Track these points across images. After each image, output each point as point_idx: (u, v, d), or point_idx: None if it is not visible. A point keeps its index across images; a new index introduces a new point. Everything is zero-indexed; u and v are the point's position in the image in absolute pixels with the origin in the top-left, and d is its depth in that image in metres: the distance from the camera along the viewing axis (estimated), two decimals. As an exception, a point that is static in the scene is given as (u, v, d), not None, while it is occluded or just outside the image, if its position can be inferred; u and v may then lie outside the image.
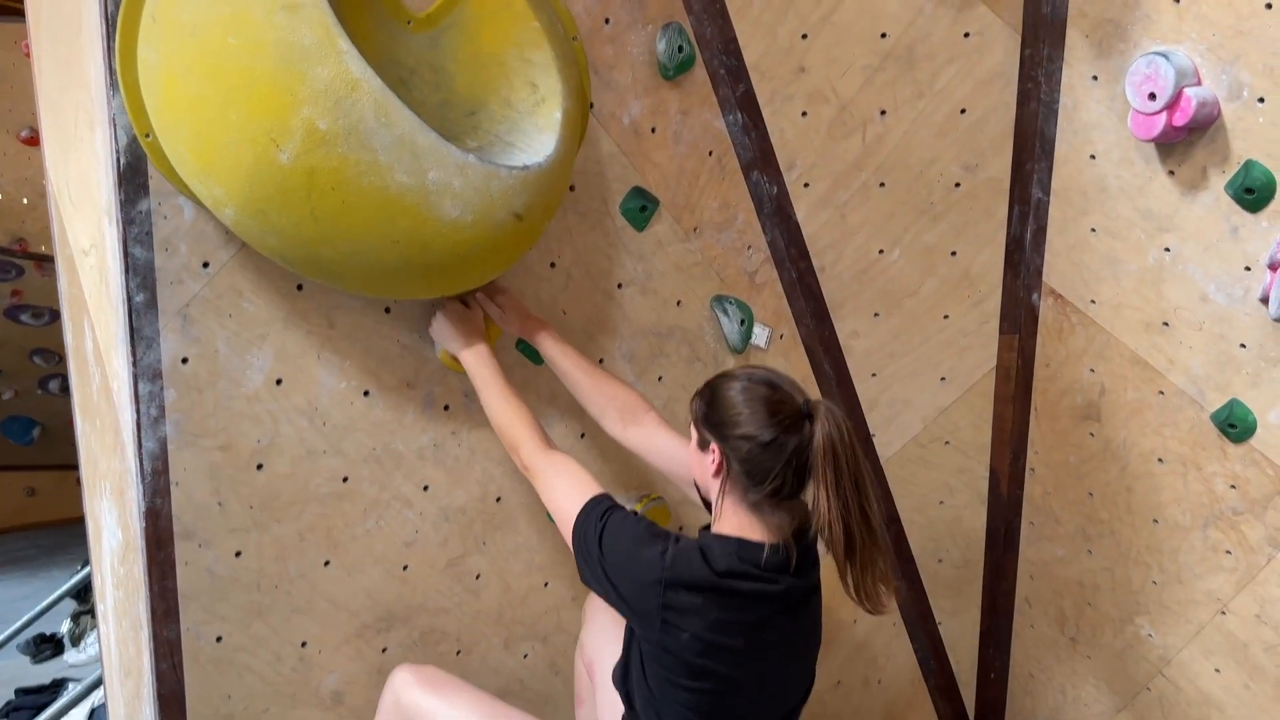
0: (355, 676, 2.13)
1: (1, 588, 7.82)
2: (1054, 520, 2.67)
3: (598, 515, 1.73)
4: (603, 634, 2.11)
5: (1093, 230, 2.29)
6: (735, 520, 1.71)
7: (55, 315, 8.06)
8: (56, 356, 8.89)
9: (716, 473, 1.72)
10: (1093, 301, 2.36)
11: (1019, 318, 2.52)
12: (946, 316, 2.58)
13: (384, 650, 2.15)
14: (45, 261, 7.67)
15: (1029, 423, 2.63)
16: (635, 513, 1.77)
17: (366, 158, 1.60)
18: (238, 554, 1.95)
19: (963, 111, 2.37)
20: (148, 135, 1.71)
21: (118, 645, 2.25)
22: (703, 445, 1.75)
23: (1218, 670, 2.44)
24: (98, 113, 1.81)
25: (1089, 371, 2.44)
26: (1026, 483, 2.70)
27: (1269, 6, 1.94)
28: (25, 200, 7.52)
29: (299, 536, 2.01)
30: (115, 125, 1.71)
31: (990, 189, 2.43)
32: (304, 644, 2.05)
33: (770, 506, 1.69)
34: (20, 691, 4.69)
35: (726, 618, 1.65)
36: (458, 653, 2.25)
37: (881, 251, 2.51)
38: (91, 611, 5.46)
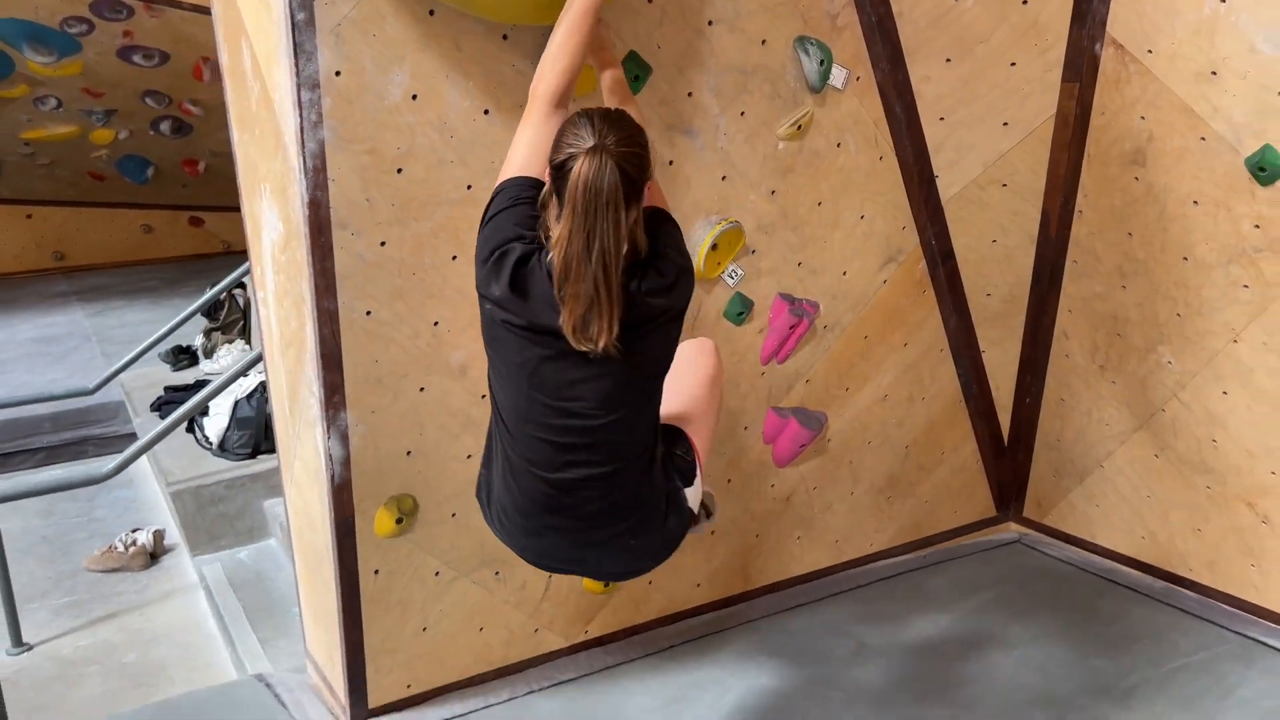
0: (478, 353, 2.53)
1: (131, 313, 8.59)
2: (1095, 259, 2.94)
3: (502, 195, 1.99)
4: None
5: (1156, -18, 2.44)
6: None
7: (165, 57, 8.34)
8: (167, 99, 9.24)
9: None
10: (1150, 51, 2.54)
11: (1081, 66, 2.71)
12: (1013, 64, 2.77)
13: (499, 335, 2.56)
14: (154, 3, 7.85)
15: (1081, 167, 2.85)
16: (515, 210, 1.97)
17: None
18: (383, 244, 2.34)
19: None
20: None
21: (278, 323, 2.70)
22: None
23: (1225, 393, 2.76)
24: None
25: (1140, 119, 2.64)
26: (1074, 224, 2.96)
27: None
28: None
29: (432, 233, 2.39)
30: None
31: (1065, -62, 2.57)
32: (436, 323, 2.47)
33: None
34: (169, 389, 5.35)
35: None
36: (559, 342, 2.66)
37: (957, -1, 2.68)
38: (222, 328, 6.07)
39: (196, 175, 10.57)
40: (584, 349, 1.88)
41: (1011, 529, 3.59)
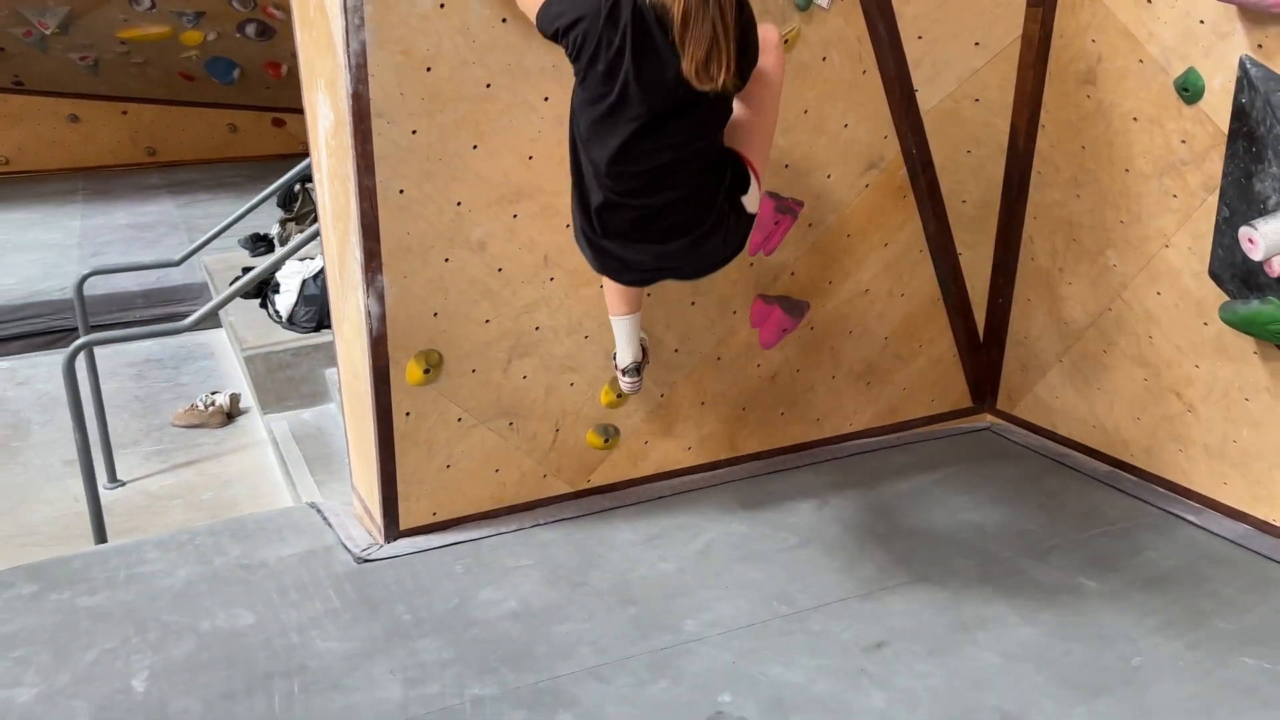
0: (494, 232, 2.98)
1: (216, 205, 9.22)
2: (1055, 169, 3.25)
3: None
4: None
5: (1104, -84, 2.72)
6: None
7: (251, -39, 8.79)
8: (253, 2, 9.72)
9: None
10: (1098, -21, 2.83)
11: (1043, -8, 3.00)
12: (983, -12, 3.07)
13: (514, 216, 2.99)
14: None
15: (1044, 86, 3.15)
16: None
17: None
18: (414, 132, 2.77)
19: None
20: None
21: (330, 199, 3.16)
22: None
23: (1159, 293, 3.08)
24: None
25: (1091, 42, 2.93)
26: (1038, 138, 3.26)
27: None
28: None
29: (456, 125, 2.81)
30: None
31: (1028, -126, 2.84)
32: (459, 203, 2.90)
33: None
34: (245, 269, 5.90)
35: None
36: (566, 226, 3.07)
37: (932, -72, 2.98)
38: (296, 219, 6.60)
39: (279, 78, 11.08)
40: (705, 89, 2.27)
41: (986, 419, 3.96)
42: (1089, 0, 2.88)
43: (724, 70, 2.23)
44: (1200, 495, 3.19)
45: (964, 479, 3.51)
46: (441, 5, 2.66)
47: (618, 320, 3.03)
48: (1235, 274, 2.75)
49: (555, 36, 2.42)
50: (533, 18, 2.48)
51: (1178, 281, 3.00)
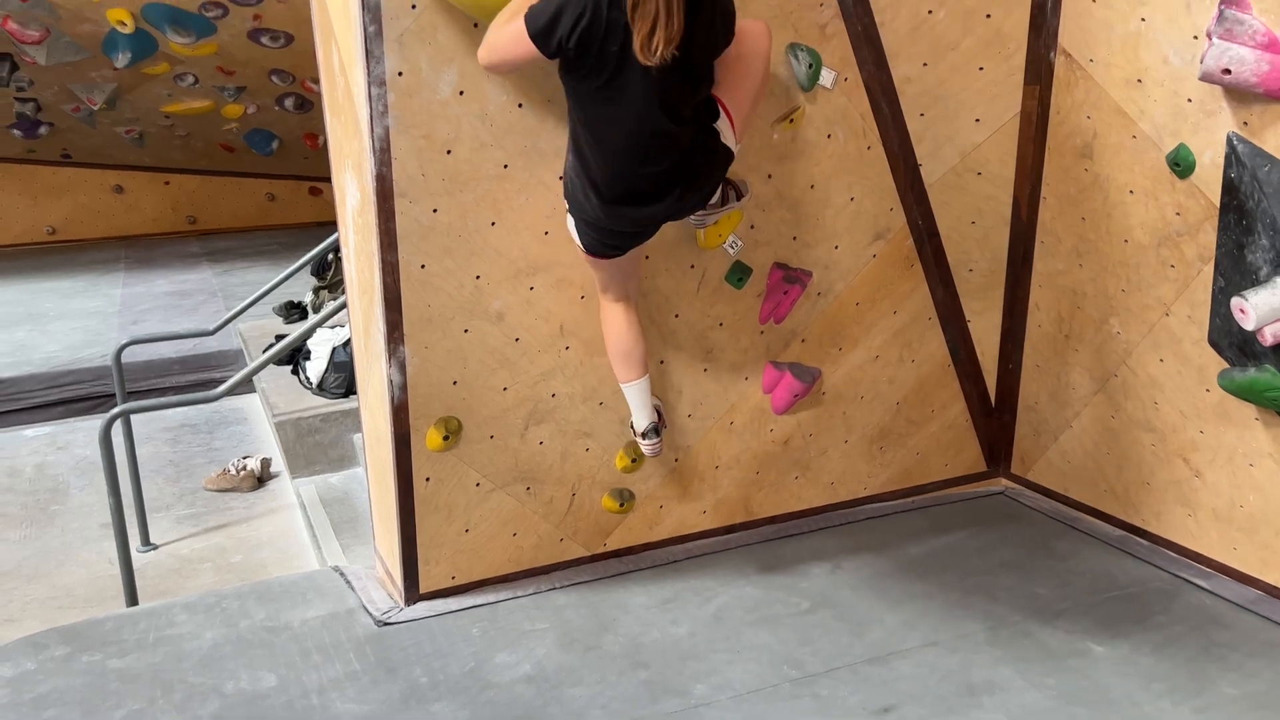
0: (512, 304, 3.10)
1: (254, 272, 9.46)
2: (1057, 240, 3.33)
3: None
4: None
5: (1093, 1, 2.83)
6: None
7: (290, 38, 9.12)
8: (291, 77, 10.04)
9: None
10: (1091, 60, 2.93)
11: (1039, 71, 3.11)
12: (981, 68, 3.19)
13: (531, 288, 3.11)
14: (281, -12, 8.56)
15: (1044, 159, 3.25)
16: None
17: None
18: (434, 210, 2.91)
19: (998, -104, 2.89)
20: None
21: (357, 273, 3.30)
22: None
23: (1161, 360, 3.14)
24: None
25: (1086, 118, 3.03)
26: (1040, 209, 3.35)
27: None
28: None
29: (475, 203, 2.95)
30: (355, -93, 2.54)
31: (1019, -38, 2.97)
32: (478, 277, 3.03)
33: None
34: (278, 337, 6.07)
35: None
36: (581, 297, 3.19)
37: (931, 11, 3.11)
38: (329, 287, 6.78)
39: (316, 148, 11.40)
40: (650, 63, 2.44)
41: (1001, 483, 4.00)
42: (1083, 79, 2.99)
43: (665, 44, 2.41)
44: (1210, 560, 3.21)
45: (976, 543, 3.55)
46: (461, 93, 2.81)
47: (629, 386, 3.13)
48: (1233, 342, 2.81)
49: (558, 44, 2.51)
50: (514, 51, 2.58)
51: (1179, 349, 3.06)
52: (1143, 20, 2.74)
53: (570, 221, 2.89)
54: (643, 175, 2.68)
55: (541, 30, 2.51)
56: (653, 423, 3.19)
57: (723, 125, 2.75)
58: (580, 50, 2.51)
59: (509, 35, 2.57)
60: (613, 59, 2.50)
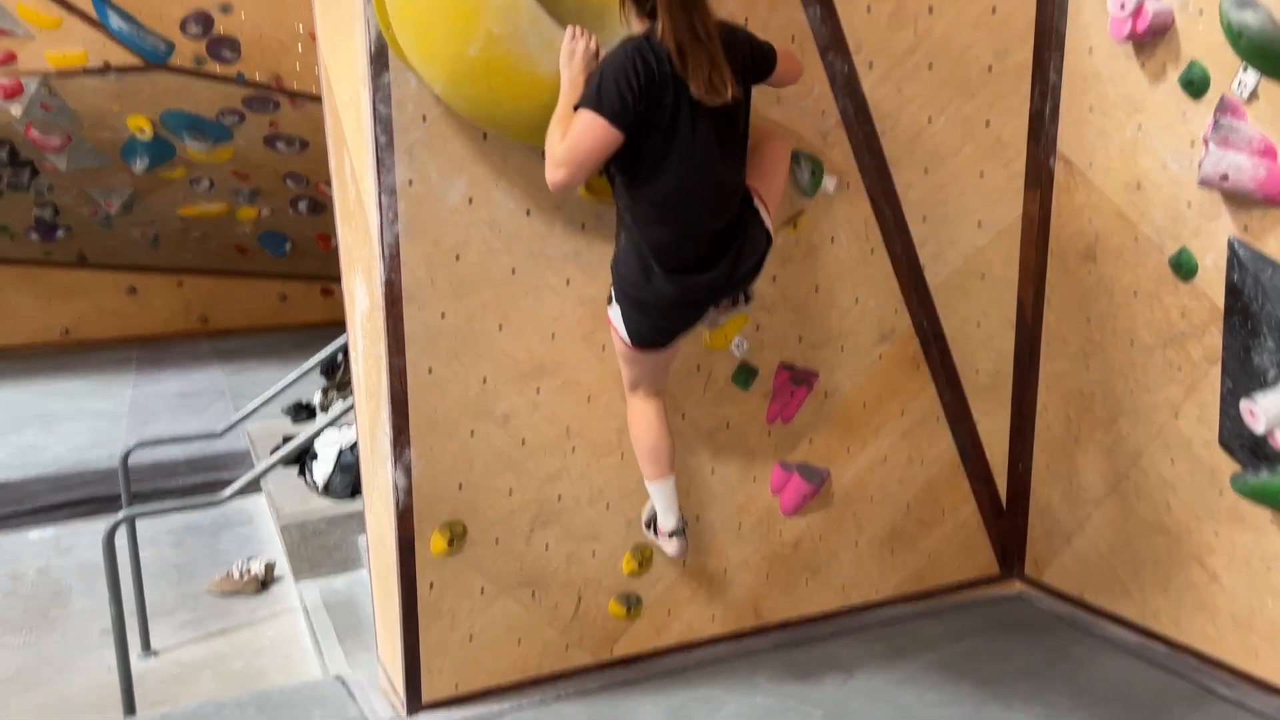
0: (518, 406, 3.10)
1: (264, 372, 9.50)
2: (1063, 341, 3.34)
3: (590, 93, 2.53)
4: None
5: (1090, 109, 2.89)
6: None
7: (305, 144, 9.32)
8: (305, 180, 10.23)
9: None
10: (1090, 165, 2.98)
11: (1039, 177, 3.16)
12: (982, 174, 3.24)
13: (537, 390, 3.11)
14: (297, 97, 8.79)
15: (1047, 262, 3.28)
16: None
17: (523, 51, 2.45)
18: (443, 315, 2.93)
19: (993, 10, 2.97)
20: (389, 30, 2.61)
21: (364, 377, 3.31)
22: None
23: (1172, 461, 3.11)
24: (357, 13, 2.72)
25: (1088, 222, 3.07)
26: (1045, 311, 3.37)
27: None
28: (283, 42, 8.38)
29: (482, 307, 2.97)
30: (368, 23, 2.63)
31: (1016, 72, 3.04)
32: (485, 379, 3.03)
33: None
34: (286, 438, 6.06)
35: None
36: (588, 399, 3.19)
37: (930, 120, 3.17)
38: (338, 387, 6.80)
39: (329, 250, 11.55)
40: (716, 103, 2.50)
41: (1016, 586, 3.93)
42: (1083, 184, 3.03)
43: (726, 84, 2.50)
44: (1232, 667, 3.13)
45: (992, 649, 3.47)
46: (470, 200, 2.86)
47: (657, 485, 3.07)
48: (1244, 444, 2.79)
49: (635, 110, 2.51)
50: (595, 144, 2.51)
51: (1189, 450, 3.04)
52: (1139, 127, 2.78)
53: (616, 315, 2.85)
54: (703, 234, 2.69)
55: (615, 108, 2.47)
56: (682, 522, 3.12)
57: (759, 208, 2.80)
58: (648, 105, 2.52)
59: (582, 135, 2.49)
60: (668, 110, 2.54)
